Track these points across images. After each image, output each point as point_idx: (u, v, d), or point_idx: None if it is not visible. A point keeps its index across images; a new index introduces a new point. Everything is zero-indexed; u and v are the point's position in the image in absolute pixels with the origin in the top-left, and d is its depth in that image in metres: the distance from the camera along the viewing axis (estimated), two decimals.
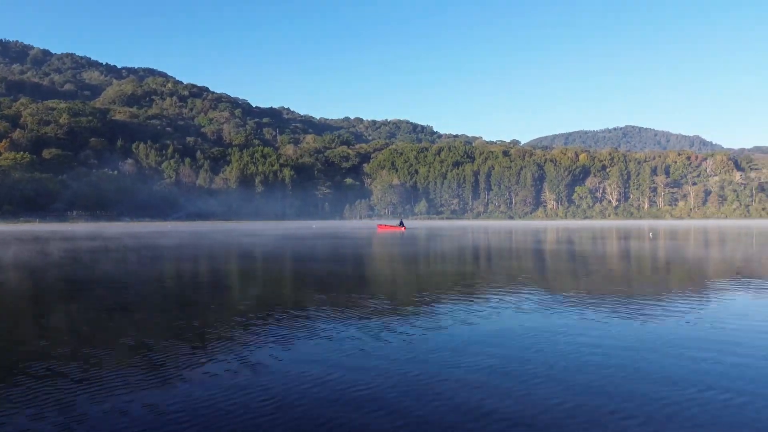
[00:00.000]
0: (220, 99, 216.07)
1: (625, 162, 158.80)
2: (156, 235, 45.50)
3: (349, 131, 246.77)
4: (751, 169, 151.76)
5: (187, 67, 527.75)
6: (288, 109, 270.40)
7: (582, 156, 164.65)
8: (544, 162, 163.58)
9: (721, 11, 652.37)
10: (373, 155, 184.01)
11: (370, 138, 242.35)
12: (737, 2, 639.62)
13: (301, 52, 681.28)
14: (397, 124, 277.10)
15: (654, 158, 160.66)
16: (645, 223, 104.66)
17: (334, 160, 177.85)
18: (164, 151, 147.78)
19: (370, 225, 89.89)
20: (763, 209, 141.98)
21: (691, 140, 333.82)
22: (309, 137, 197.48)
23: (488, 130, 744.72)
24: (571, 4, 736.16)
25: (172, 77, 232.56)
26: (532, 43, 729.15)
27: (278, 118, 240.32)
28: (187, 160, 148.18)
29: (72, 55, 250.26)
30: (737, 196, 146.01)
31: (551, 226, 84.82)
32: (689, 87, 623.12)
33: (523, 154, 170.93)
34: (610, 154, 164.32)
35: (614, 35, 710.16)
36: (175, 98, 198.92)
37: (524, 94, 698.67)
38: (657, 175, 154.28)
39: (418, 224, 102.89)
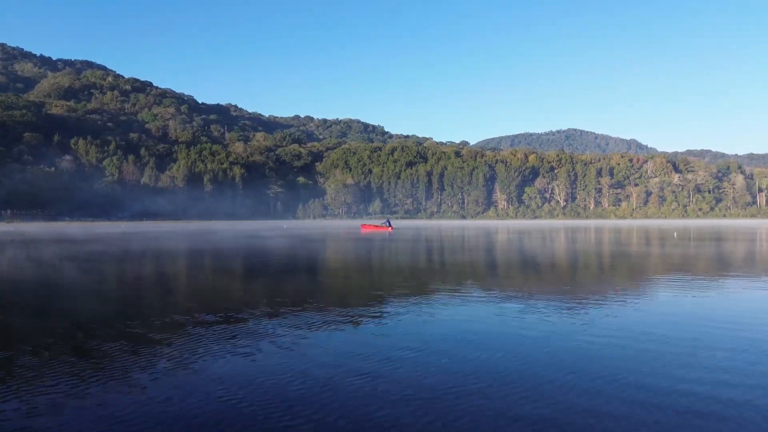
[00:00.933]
0: (164, 94, 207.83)
1: (572, 163, 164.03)
2: (88, 239, 38.08)
3: (300, 130, 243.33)
4: (688, 171, 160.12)
5: (129, 60, 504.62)
6: (236, 106, 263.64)
7: (531, 157, 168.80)
8: (495, 163, 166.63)
9: (656, 20, 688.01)
10: (325, 154, 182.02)
11: (321, 137, 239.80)
12: (671, 13, 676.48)
13: (248, 48, 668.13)
14: (349, 124, 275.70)
15: (599, 160, 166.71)
16: (592, 223, 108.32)
17: (286, 159, 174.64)
18: (106, 148, 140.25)
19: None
20: (700, 209, 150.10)
21: (629, 143, 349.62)
22: (259, 135, 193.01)
23: (438, 131, 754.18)
24: (517, 9, 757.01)
25: (112, 71, 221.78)
26: (480, 46, 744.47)
27: (226, 115, 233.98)
28: (131, 157, 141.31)
29: (3, 45, 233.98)
30: (675, 197, 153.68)
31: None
32: (626, 92, 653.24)
33: (475, 155, 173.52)
34: (557, 156, 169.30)
35: (558, 41, 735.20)
36: (116, 92, 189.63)
37: (472, 96, 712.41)
38: (602, 177, 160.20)
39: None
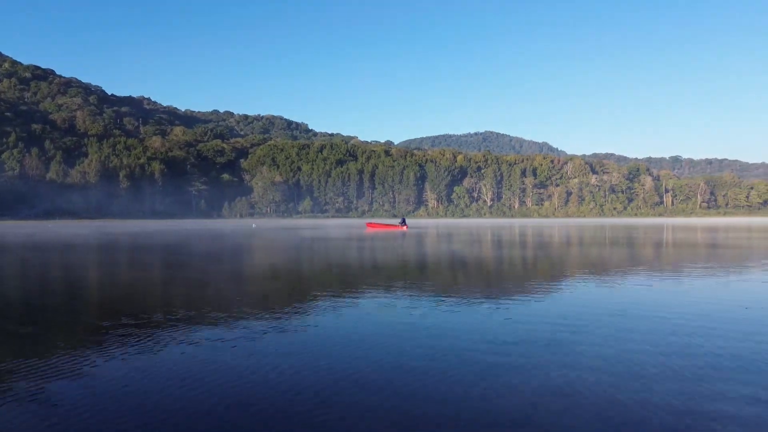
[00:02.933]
0: (69, 84, 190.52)
1: (498, 164, 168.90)
2: None
3: (219, 125, 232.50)
4: (604, 173, 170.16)
5: (28, 46, 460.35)
6: (149, 99, 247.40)
7: (459, 157, 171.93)
8: (425, 162, 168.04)
9: (564, 27, 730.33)
10: (251, 150, 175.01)
11: (242, 133, 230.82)
12: (579, 22, 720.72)
13: (161, 38, 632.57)
14: (271, 120, 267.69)
15: (523, 161, 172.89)
16: (516, 222, 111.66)
17: (208, 155, 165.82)
18: (5, 140, 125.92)
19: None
20: (614, 208, 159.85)
21: (541, 146, 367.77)
22: (177, 129, 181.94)
23: (363, 131, 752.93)
24: (438, 13, 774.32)
25: (8, 56, 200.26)
26: (401, 48, 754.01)
27: (139, 107, 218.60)
28: (34, 150, 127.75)
29: None
30: (593, 197, 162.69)
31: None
32: (538, 97, 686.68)
33: (405, 154, 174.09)
34: (484, 156, 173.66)
35: (477, 45, 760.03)
36: (14, 80, 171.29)
37: (395, 97, 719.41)
38: (526, 177, 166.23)
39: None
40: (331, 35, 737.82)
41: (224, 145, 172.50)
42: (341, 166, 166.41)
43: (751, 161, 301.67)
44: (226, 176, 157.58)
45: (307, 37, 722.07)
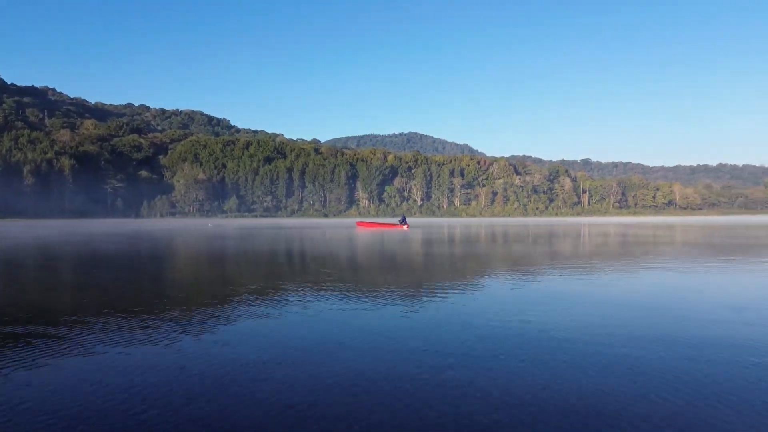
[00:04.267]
0: None
1: (428, 164, 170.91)
2: None
3: (134, 119, 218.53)
4: (526, 174, 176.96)
5: None
6: (54, 89, 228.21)
7: (390, 157, 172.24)
8: (356, 161, 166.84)
9: (481, 35, 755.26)
10: (171, 146, 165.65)
11: (160, 128, 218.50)
12: (497, 29, 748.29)
13: (66, 24, 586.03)
14: (191, 115, 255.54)
15: (451, 162, 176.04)
16: (445, 221, 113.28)
17: (124, 150, 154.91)
18: None
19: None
20: (537, 208, 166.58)
21: (462, 148, 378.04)
22: (89, 122, 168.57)
23: (288, 128, 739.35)
24: (364, 14, 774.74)
25: None
26: (328, 46, 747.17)
27: (43, 98, 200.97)
28: None
29: None
30: (517, 197, 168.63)
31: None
32: (460, 101, 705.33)
33: (335, 152, 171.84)
34: (414, 157, 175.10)
35: (402, 47, 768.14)
36: None
37: (321, 95, 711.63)
38: (454, 177, 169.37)
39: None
40: (252, 29, 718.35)
41: (141, 140, 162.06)
42: (269, 164, 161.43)
43: (651, 164, 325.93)
44: (144, 173, 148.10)
45: (226, 30, 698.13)
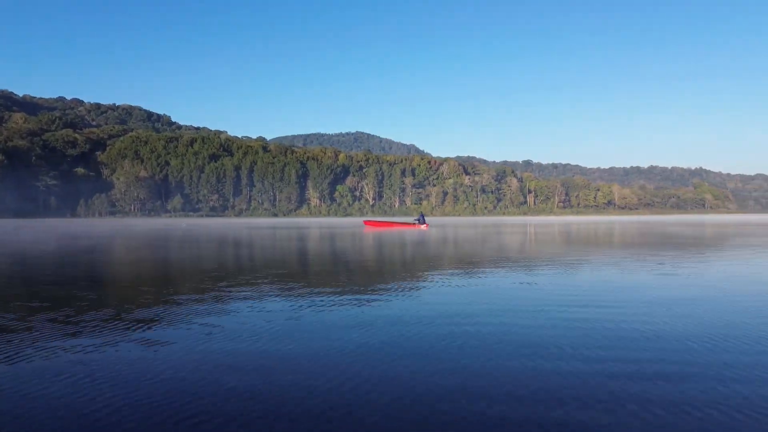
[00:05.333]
0: None
1: (379, 163, 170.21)
2: None
3: (67, 113, 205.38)
4: (476, 174, 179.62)
5: None
6: None
7: (341, 156, 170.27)
8: (307, 160, 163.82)
9: (428, 38, 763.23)
10: (109, 142, 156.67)
11: (95, 123, 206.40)
12: (444, 32, 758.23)
13: None
14: (128, 110, 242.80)
15: (402, 161, 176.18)
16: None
17: (57, 146, 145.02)
18: None
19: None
20: (485, 208, 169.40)
21: (409, 148, 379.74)
22: (17, 116, 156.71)
23: (232, 126, 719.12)
24: (315, 12, 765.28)
25: None
26: (270, 43, 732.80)
27: None
28: None
29: None
30: (467, 197, 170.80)
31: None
32: (408, 100, 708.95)
33: (284, 150, 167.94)
34: (365, 156, 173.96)
35: (349, 46, 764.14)
36: None
37: (266, 93, 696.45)
38: (405, 177, 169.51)
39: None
40: (191, 22, 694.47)
41: (77, 136, 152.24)
42: (215, 162, 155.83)
43: (589, 166, 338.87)
44: (80, 170, 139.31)
45: (164, 23, 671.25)
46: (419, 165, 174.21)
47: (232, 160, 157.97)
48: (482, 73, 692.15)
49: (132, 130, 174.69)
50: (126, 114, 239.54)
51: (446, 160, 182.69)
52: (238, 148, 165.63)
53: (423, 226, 38.51)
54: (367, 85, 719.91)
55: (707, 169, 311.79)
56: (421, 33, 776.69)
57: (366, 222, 46.38)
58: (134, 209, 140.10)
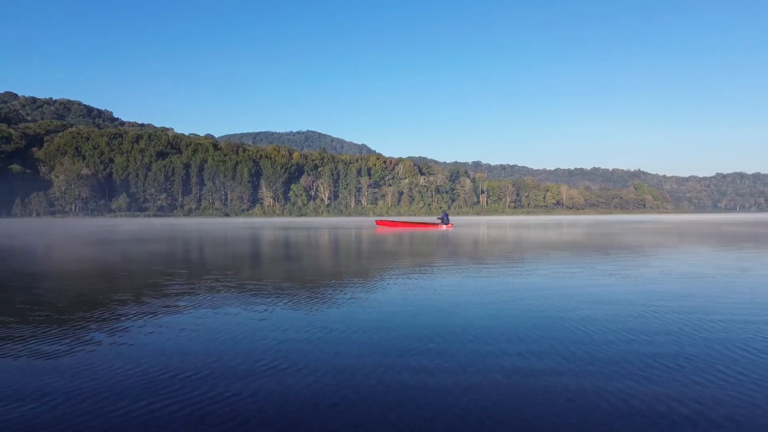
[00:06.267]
0: None
1: (335, 163, 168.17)
2: None
3: None
4: (430, 174, 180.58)
5: None
6: None
7: (295, 155, 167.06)
8: (260, 158, 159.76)
9: (362, 36, 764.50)
10: (47, 138, 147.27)
11: (30, 118, 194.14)
12: (378, 27, 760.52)
13: None
14: (67, 105, 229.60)
15: (358, 161, 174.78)
16: (352, 220, 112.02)
17: None
18: None
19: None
20: (440, 207, 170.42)
21: (360, 148, 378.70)
22: None
23: (177, 123, 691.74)
24: (263, 9, 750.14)
25: None
26: (219, 38, 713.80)
27: None
28: None
29: None
30: (422, 197, 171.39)
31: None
32: (359, 100, 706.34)
33: (236, 149, 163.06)
34: (320, 155, 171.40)
35: (301, 43, 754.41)
36: None
37: (213, 89, 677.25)
38: (361, 176, 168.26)
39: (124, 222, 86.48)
40: (133, 14, 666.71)
41: (11, 131, 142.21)
42: (163, 159, 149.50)
43: (536, 167, 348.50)
44: (15, 167, 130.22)
45: (106, 15, 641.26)
46: (375, 165, 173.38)
47: (181, 157, 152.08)
48: (433, 75, 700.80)
49: (72, 126, 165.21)
50: (64, 109, 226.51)
51: (401, 160, 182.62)
52: (187, 146, 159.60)
53: (446, 227, 34.97)
54: (318, 83, 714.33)
55: (645, 171, 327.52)
56: (369, 33, 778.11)
57: (378, 222, 42.67)
58: (76, 209, 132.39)
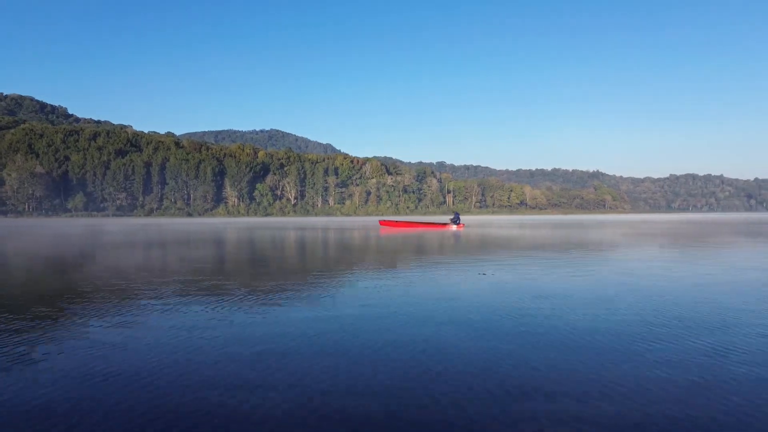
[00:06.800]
0: None
1: (301, 162, 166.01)
2: None
3: None
4: (398, 174, 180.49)
5: None
6: None
7: (261, 153, 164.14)
8: (224, 157, 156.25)
9: (328, 34, 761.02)
10: None
11: None
12: (342, 26, 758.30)
13: None
14: (18, 101, 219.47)
15: (324, 160, 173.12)
16: (319, 220, 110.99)
17: None
18: None
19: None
20: (408, 207, 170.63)
21: (325, 147, 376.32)
22: None
23: (136, 120, 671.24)
24: (225, 6, 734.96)
25: None
26: (177, 32, 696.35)
27: None
28: None
29: None
30: (390, 197, 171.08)
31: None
32: (324, 99, 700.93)
33: (199, 147, 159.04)
34: (286, 154, 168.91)
35: (264, 41, 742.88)
36: None
37: (174, 85, 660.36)
38: (328, 176, 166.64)
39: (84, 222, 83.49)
40: (88, 8, 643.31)
41: None
42: (122, 158, 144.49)
43: (498, 168, 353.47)
44: None
45: (57, 6, 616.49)
46: (342, 164, 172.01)
47: (141, 156, 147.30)
48: (396, 75, 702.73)
49: (24, 122, 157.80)
50: (15, 104, 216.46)
51: (369, 159, 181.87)
52: (147, 144, 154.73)
53: (456, 227, 33.06)
54: (283, 81, 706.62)
55: (603, 172, 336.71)
56: (331, 32, 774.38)
57: (382, 222, 40.71)
58: (29, 208, 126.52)
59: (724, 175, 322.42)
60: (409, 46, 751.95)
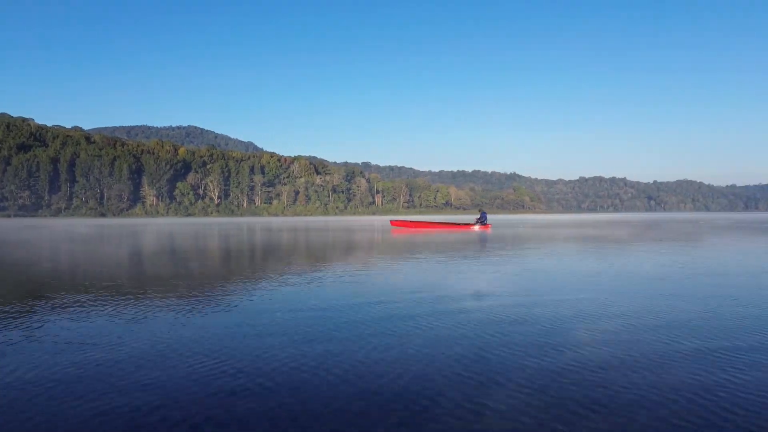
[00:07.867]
0: None
1: (225, 160, 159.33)
2: None
3: None
4: (326, 173, 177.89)
5: None
6: None
7: (181, 150, 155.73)
8: (141, 153, 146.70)
9: (249, 30, 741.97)
10: None
11: None
12: (264, 25, 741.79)
13: None
14: None
15: (250, 158, 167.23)
16: (245, 221, 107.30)
17: None
18: None
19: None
20: (337, 207, 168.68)
21: (247, 145, 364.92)
22: None
23: (37, 113, 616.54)
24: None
25: None
26: (82, 21, 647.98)
27: None
28: None
29: None
30: (318, 196, 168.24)
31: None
32: (245, 96, 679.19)
33: (114, 142, 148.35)
34: (209, 151, 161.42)
35: (179, 34, 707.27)
36: None
37: (80, 76, 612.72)
38: (255, 175, 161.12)
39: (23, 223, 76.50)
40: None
41: None
42: (25, 153, 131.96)
43: (422, 169, 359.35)
44: None
45: None
46: (269, 163, 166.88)
47: (47, 151, 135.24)
48: (322, 72, 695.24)
49: None
50: None
51: (297, 158, 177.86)
52: (54, 138, 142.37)
53: (482, 227, 30.35)
54: (200, 75, 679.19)
55: (519, 174, 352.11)
56: (253, 27, 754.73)
57: (394, 222, 37.16)
58: None
59: (627, 178, 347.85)
60: (332, 43, 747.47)
